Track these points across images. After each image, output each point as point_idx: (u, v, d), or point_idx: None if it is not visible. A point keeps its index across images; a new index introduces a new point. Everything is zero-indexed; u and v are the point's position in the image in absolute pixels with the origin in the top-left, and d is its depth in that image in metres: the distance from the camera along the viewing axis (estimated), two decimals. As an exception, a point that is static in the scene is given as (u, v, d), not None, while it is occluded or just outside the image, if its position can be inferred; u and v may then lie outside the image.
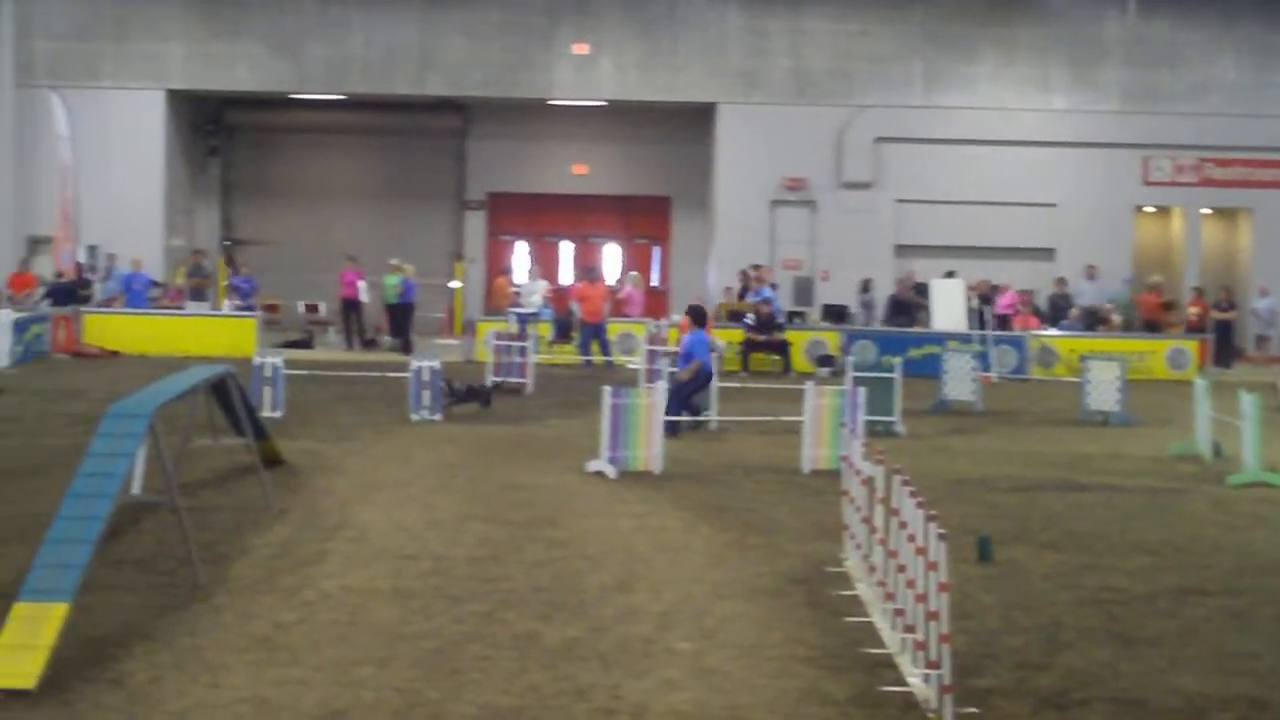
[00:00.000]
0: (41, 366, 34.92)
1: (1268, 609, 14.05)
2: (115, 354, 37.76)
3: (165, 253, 44.62)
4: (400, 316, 40.47)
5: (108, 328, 38.77)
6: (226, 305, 41.64)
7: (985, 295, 39.55)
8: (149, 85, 44.44)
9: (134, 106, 44.24)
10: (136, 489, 16.80)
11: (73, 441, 21.62)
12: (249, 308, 41.14)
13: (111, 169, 43.38)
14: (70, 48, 44.36)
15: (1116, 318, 41.74)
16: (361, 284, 41.27)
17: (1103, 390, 29.26)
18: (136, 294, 40.86)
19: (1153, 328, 41.56)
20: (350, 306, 41.53)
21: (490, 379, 31.16)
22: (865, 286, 43.51)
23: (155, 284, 42.08)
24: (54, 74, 44.07)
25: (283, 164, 49.16)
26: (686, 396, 25.16)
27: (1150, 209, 46.37)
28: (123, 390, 21.01)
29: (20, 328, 35.16)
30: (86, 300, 40.25)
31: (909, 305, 41.25)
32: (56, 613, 11.25)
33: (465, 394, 27.68)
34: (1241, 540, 17.46)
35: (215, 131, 48.73)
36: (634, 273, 44.06)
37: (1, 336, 33.30)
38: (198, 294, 41.83)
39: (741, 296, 40.63)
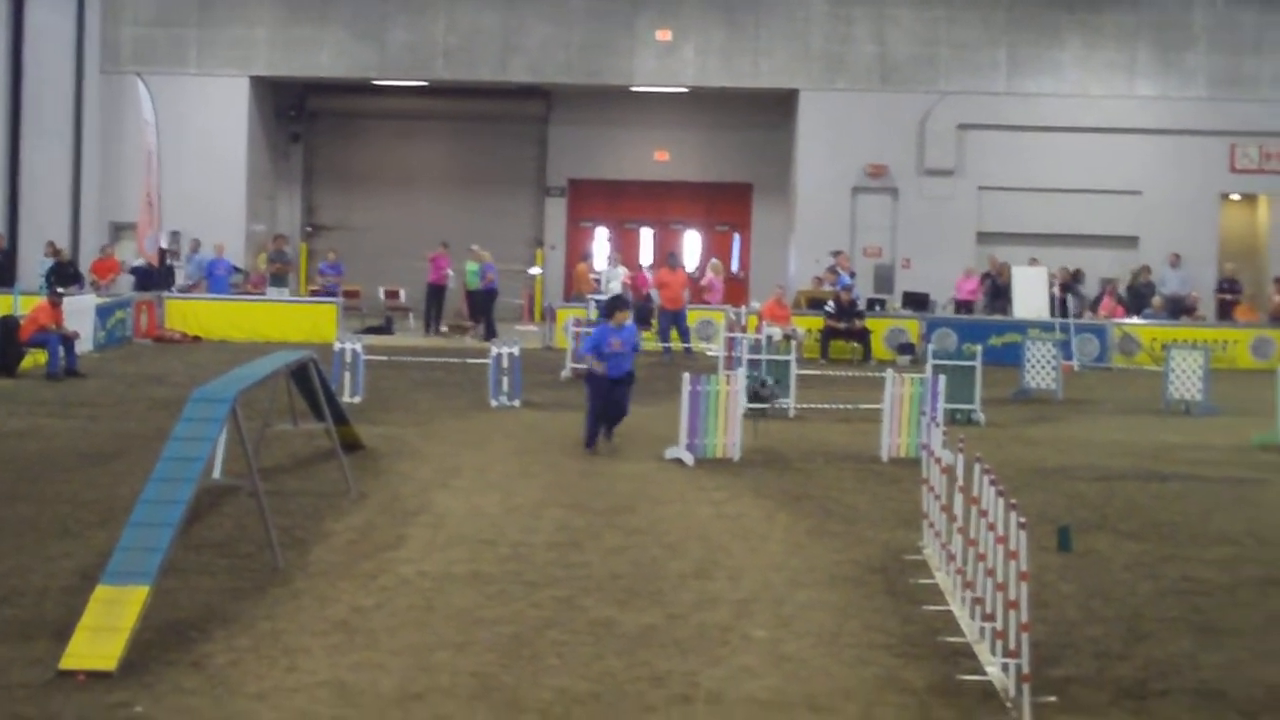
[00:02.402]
0: (124, 351, 35.18)
1: (1352, 601, 13.93)
2: (197, 339, 38.01)
3: (247, 238, 44.85)
4: (482, 302, 40.53)
5: (189, 313, 39.02)
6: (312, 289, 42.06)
7: (1067, 283, 39.25)
8: (233, 72, 44.64)
9: (218, 93, 44.45)
10: (217, 473, 16.93)
11: (155, 426, 21.82)
12: (331, 292, 41.31)
13: (195, 155, 43.59)
14: (156, 34, 44.61)
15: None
16: (449, 271, 41.43)
17: (1185, 379, 29.03)
18: (218, 280, 41.12)
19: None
20: (435, 291, 41.68)
21: (570, 366, 31.25)
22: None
23: (237, 270, 42.35)
24: (139, 60, 44.30)
25: (364, 150, 49.29)
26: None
27: (1236, 196, 45.91)
28: (204, 375, 21.20)
29: (103, 313, 35.42)
30: (169, 284, 40.57)
31: (1006, 290, 40.71)
32: (137, 595, 11.35)
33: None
34: (1326, 531, 17.31)
35: (298, 117, 48.91)
36: (715, 260, 44.01)
37: (85, 321, 33.53)
38: (279, 280, 42.05)
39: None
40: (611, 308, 22.38)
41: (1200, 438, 25.04)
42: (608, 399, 21.55)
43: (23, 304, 33.04)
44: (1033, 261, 40.79)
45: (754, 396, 23.56)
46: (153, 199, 40.58)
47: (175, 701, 10.29)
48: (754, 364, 25.72)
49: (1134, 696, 10.88)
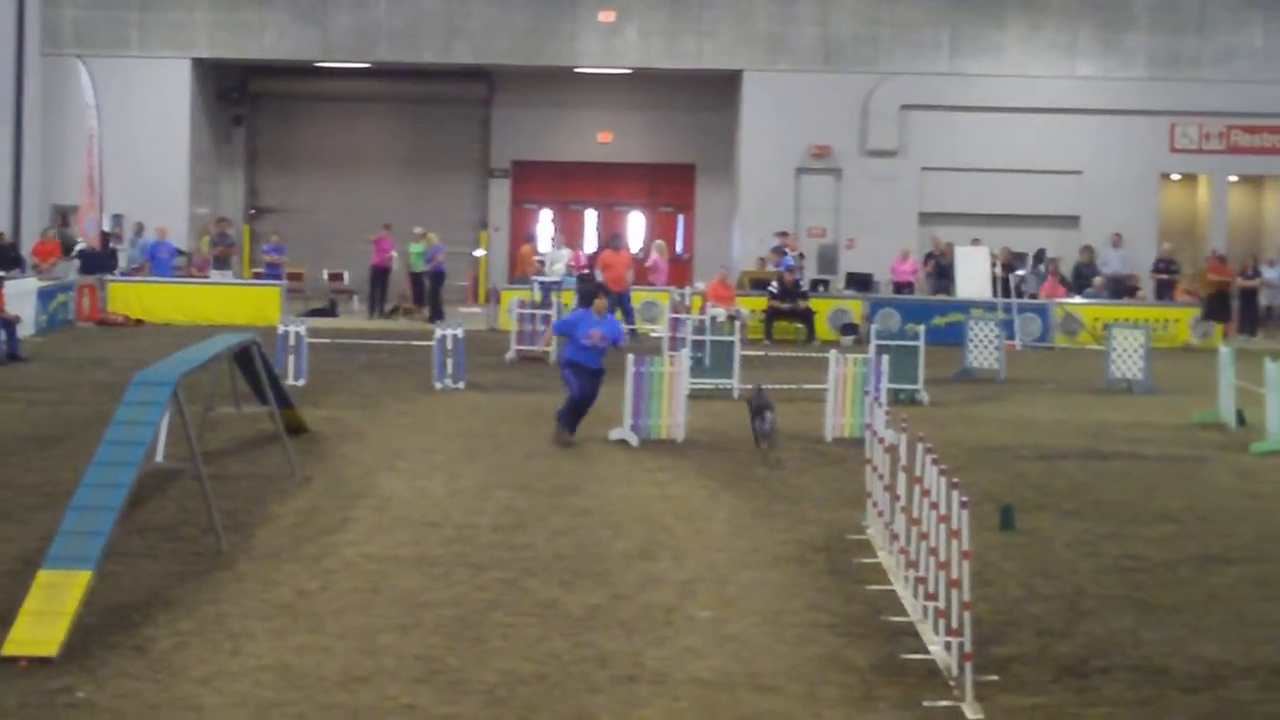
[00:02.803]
0: (66, 335, 35.00)
1: (1290, 577, 14.05)
2: (140, 322, 37.83)
3: (190, 221, 44.64)
4: (430, 285, 40.51)
5: (132, 296, 38.83)
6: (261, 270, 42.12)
7: (1009, 263, 39.37)
8: (175, 54, 44.38)
9: (160, 75, 44.19)
10: (160, 457, 16.85)
11: (97, 409, 21.70)
12: (275, 275, 41.13)
13: (137, 138, 43.32)
14: (97, 16, 44.33)
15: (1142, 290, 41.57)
16: (393, 253, 41.45)
17: (1127, 358, 29.20)
18: (162, 263, 40.92)
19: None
20: (379, 274, 41.65)
21: (516, 348, 31.21)
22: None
23: (180, 253, 42.16)
24: (80, 42, 44.03)
25: (307, 133, 49.09)
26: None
27: (1176, 176, 46.15)
28: (147, 358, 21.10)
29: (45, 296, 35.22)
30: (112, 268, 40.34)
31: (949, 270, 40.78)
32: (80, 580, 11.32)
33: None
34: (1264, 508, 17.47)
35: (240, 100, 48.67)
36: (660, 241, 43.99)
37: (26, 305, 33.33)
38: (222, 263, 41.90)
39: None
40: (590, 295, 21.99)
41: (1141, 416, 25.18)
42: (590, 387, 20.87)
43: (-37, 288, 32.82)
44: (975, 242, 40.88)
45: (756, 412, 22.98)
46: (94, 182, 40.35)
47: (118, 686, 10.28)
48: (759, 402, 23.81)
49: (1076, 674, 10.96)
